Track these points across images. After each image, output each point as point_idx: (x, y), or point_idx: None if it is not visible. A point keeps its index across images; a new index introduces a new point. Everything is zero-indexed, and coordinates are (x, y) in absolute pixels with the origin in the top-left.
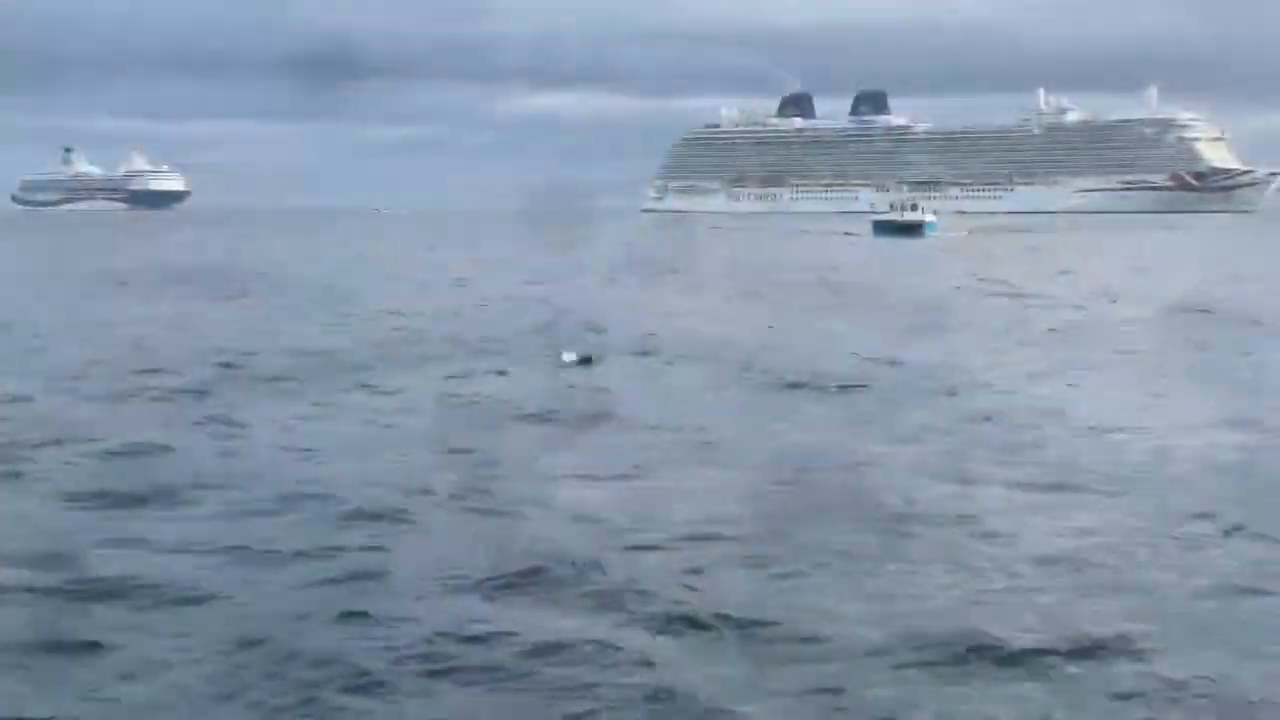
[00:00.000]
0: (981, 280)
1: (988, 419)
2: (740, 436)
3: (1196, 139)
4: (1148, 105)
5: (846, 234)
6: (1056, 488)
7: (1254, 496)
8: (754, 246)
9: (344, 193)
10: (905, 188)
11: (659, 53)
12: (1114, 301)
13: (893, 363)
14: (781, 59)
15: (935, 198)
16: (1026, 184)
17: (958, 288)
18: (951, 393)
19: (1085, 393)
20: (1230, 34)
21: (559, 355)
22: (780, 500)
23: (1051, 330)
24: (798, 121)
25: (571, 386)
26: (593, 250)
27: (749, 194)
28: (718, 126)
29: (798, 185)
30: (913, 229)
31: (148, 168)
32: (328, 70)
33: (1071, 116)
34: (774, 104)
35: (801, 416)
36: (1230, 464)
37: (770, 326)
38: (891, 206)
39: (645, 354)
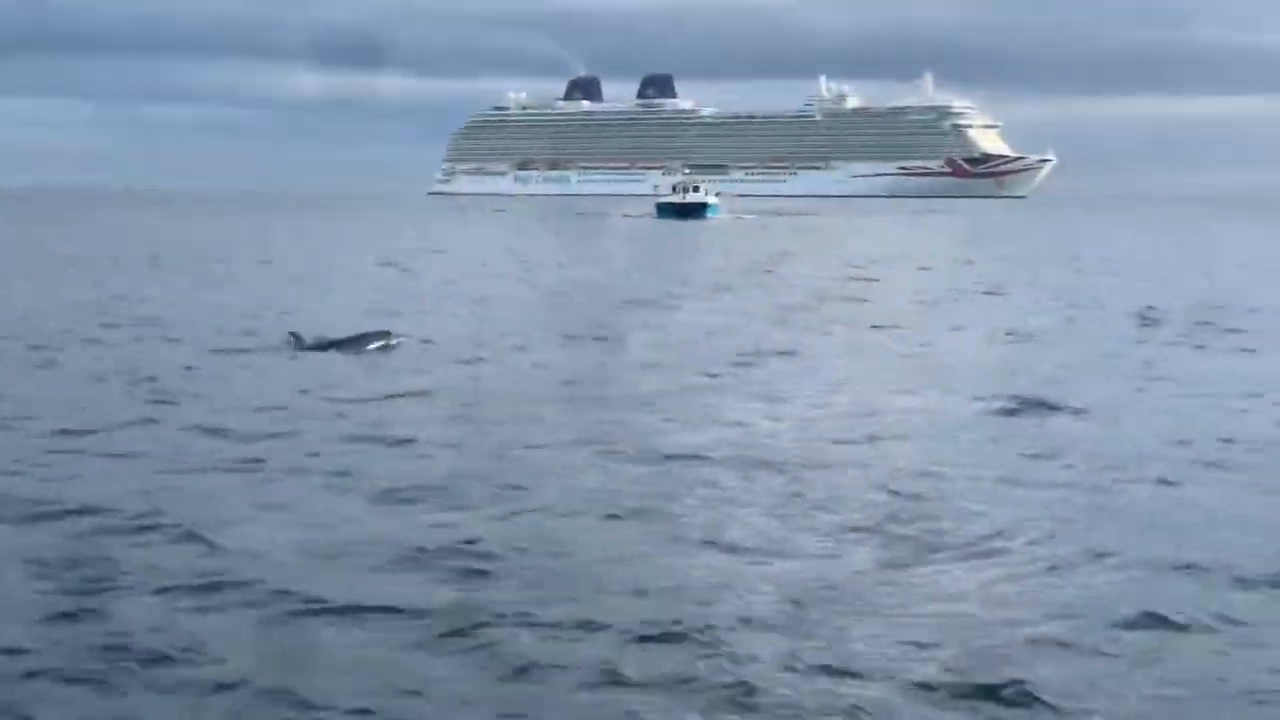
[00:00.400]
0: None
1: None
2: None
3: (970, 126)
4: (923, 92)
5: (625, 215)
6: None
7: None
8: (511, 230)
9: (119, 173)
10: (689, 170)
11: (446, 35)
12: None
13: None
14: (569, 42)
15: (720, 181)
16: (808, 168)
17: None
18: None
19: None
20: (1004, 25)
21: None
22: None
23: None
24: (585, 104)
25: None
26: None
27: (537, 176)
28: (505, 109)
29: (585, 168)
30: (695, 210)
31: None
32: (79, 46)
33: (851, 102)
34: (561, 87)
35: None
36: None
37: None
38: (674, 189)
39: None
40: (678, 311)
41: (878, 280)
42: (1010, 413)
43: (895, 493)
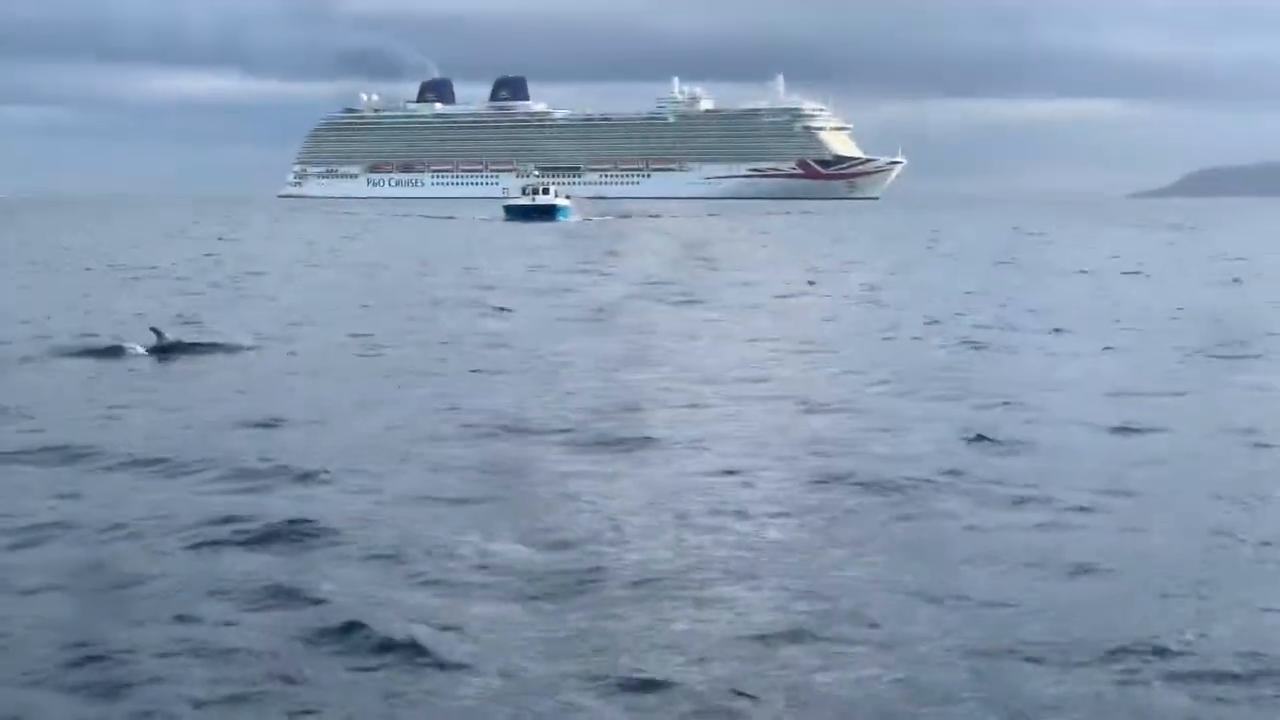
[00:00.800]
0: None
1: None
2: None
3: (821, 128)
4: (775, 95)
5: (479, 219)
6: None
7: None
8: (343, 232)
9: None
10: (538, 172)
11: (294, 36)
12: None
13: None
14: (420, 45)
15: (574, 183)
16: (661, 170)
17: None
18: None
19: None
20: (852, 27)
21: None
22: None
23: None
24: (438, 106)
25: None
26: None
27: (390, 179)
28: (357, 111)
29: (438, 170)
30: (544, 213)
31: None
32: None
33: (704, 105)
34: (414, 89)
35: None
36: None
37: None
38: (524, 191)
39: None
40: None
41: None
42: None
43: None
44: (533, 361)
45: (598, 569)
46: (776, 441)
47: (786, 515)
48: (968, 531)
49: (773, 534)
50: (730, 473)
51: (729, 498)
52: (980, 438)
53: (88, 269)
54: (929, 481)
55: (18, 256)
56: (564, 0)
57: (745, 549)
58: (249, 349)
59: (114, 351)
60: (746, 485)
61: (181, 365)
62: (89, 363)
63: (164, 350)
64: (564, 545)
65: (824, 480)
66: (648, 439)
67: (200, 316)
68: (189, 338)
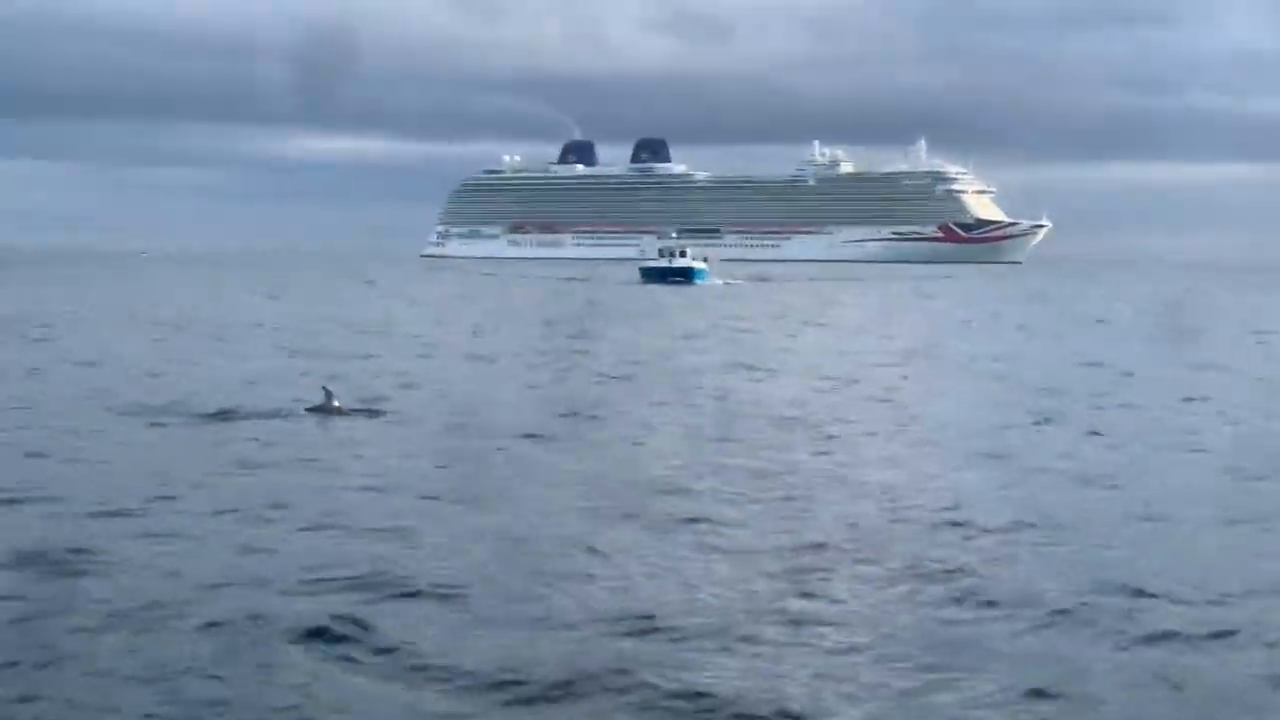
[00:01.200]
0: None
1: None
2: None
3: (963, 191)
4: (917, 158)
5: (619, 282)
6: None
7: None
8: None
9: (107, 234)
10: (676, 235)
11: (437, 97)
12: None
13: None
14: (563, 106)
15: (713, 246)
16: (802, 233)
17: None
18: None
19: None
20: (994, 91)
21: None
22: None
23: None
24: (579, 168)
25: None
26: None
27: (530, 240)
28: (499, 172)
29: (579, 231)
30: (681, 275)
31: None
32: (82, 108)
33: (845, 167)
34: (555, 150)
35: None
36: None
37: None
38: (660, 253)
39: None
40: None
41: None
42: None
43: None
44: None
45: None
46: None
47: None
48: None
49: None
50: None
51: None
52: None
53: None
54: None
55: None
56: (705, 62)
57: None
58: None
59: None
60: None
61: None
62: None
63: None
64: None
65: None
66: None
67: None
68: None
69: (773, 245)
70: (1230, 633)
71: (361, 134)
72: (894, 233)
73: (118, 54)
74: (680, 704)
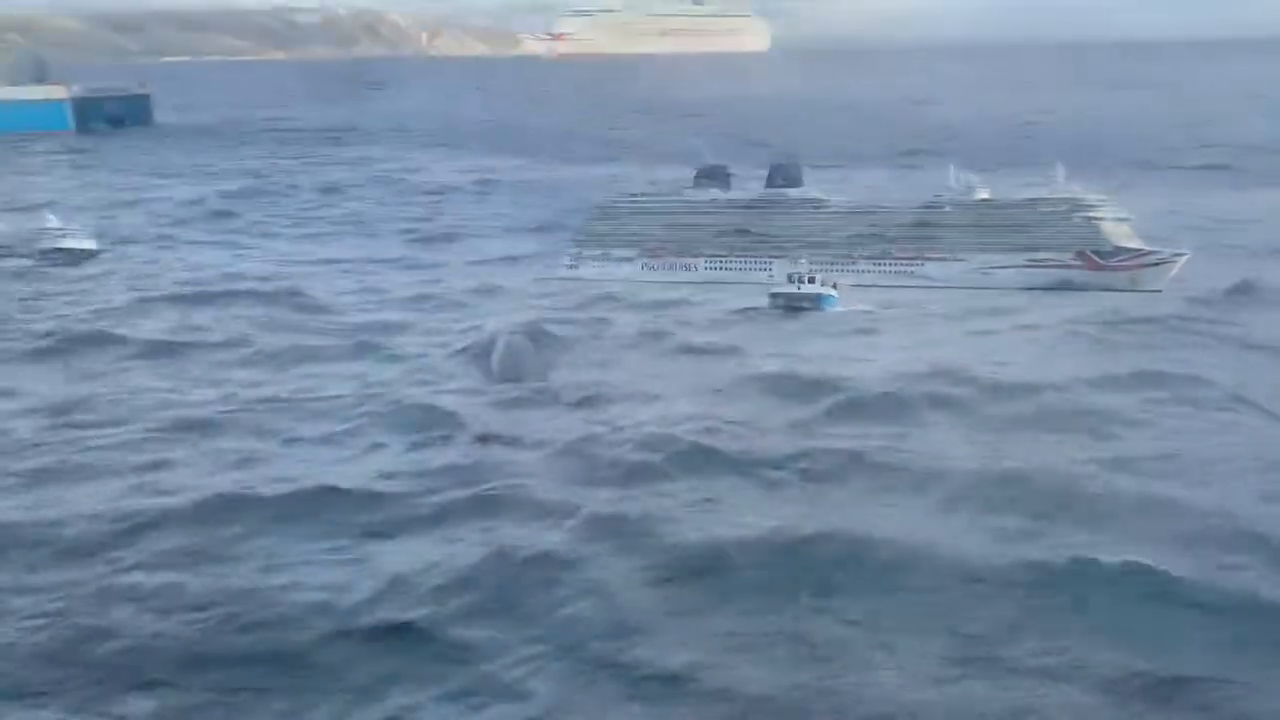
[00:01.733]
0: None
1: None
2: None
3: (1102, 219)
4: (1054, 184)
5: (741, 307)
6: None
7: None
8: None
9: None
10: (806, 260)
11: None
12: None
13: None
14: (696, 131)
15: (847, 271)
16: (935, 259)
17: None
18: None
19: None
20: (1136, 118)
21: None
22: None
23: None
24: (713, 192)
25: None
26: None
27: (663, 264)
28: (634, 196)
29: (712, 256)
30: (808, 301)
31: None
32: None
33: (980, 193)
34: (689, 174)
35: None
36: None
37: None
38: (789, 279)
39: None
40: None
41: None
42: None
43: None
44: None
45: None
46: None
47: None
48: None
49: None
50: None
51: None
52: None
53: None
54: None
55: None
56: (836, 86)
57: None
58: None
59: None
60: None
61: None
62: None
63: None
64: None
65: None
66: None
67: None
68: None
69: (905, 272)
70: None
71: (494, 157)
72: (1029, 259)
73: None
74: None
